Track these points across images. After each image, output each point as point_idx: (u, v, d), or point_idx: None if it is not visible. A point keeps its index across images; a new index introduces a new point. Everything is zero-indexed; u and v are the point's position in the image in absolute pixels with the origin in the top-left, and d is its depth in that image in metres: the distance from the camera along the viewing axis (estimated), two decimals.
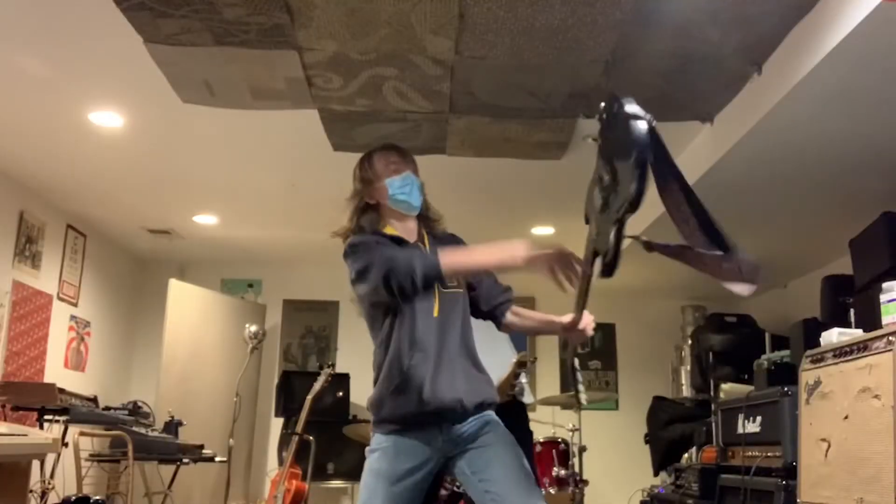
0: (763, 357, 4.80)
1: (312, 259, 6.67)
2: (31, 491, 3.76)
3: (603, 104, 1.65)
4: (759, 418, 3.63)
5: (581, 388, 2.41)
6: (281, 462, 5.59)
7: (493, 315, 2.40)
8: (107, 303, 6.45)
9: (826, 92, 3.10)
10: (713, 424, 4.82)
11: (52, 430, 4.25)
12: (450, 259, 2.08)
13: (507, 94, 3.67)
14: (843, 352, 2.84)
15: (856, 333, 2.97)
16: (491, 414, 2.24)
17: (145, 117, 4.14)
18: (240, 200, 5.48)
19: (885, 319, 2.81)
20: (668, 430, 5.69)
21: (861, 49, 2.77)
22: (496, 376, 3.49)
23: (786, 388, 3.38)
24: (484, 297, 2.38)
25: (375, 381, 2.25)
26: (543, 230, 5.89)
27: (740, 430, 3.78)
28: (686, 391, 6.30)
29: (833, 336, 3.01)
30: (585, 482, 4.43)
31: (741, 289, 1.67)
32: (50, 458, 4.05)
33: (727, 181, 4.10)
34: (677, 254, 1.72)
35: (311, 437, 4.92)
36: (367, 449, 2.25)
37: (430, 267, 2.05)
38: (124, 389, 6.61)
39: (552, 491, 4.18)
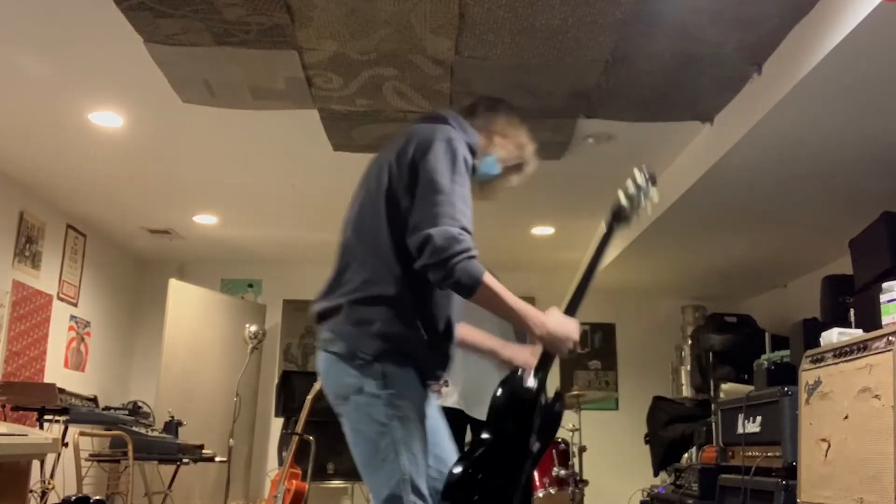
0: (763, 357, 4.79)
1: (312, 259, 6.66)
2: (31, 491, 3.76)
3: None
4: (759, 418, 3.63)
5: None
6: (281, 462, 5.59)
7: None
8: (107, 303, 6.45)
9: (826, 92, 3.10)
10: (713, 424, 4.83)
11: (52, 430, 4.25)
12: (491, 280, 1.90)
13: (507, 94, 3.66)
14: (843, 352, 2.84)
15: (856, 333, 2.96)
16: None
17: (145, 117, 4.14)
18: (240, 200, 5.48)
19: (885, 319, 2.81)
20: (668, 430, 5.70)
21: (861, 49, 2.77)
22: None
23: (786, 388, 3.38)
24: None
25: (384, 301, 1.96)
26: (543, 230, 5.89)
27: (740, 430, 3.78)
28: (686, 391, 6.30)
29: (833, 336, 3.01)
30: (585, 482, 4.43)
31: None
32: (50, 458, 4.04)
33: (727, 181, 4.10)
34: None
35: (311, 437, 4.92)
36: (368, 393, 1.93)
37: (472, 274, 1.88)
38: (124, 389, 6.61)
39: (552, 491, 4.18)
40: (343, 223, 2.15)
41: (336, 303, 2.00)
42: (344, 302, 1.98)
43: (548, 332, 2.00)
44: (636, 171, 2.29)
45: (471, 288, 1.88)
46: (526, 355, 2.20)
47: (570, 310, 2.11)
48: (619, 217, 2.28)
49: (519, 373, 2.13)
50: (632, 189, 2.27)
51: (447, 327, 2.07)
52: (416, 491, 1.92)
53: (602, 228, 2.28)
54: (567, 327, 2.02)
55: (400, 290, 1.96)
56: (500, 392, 2.10)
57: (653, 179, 2.30)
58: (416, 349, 1.98)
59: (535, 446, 2.08)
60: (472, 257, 1.88)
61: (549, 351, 2.08)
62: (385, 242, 1.99)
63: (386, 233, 1.99)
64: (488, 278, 1.90)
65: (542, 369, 2.10)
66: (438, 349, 2.06)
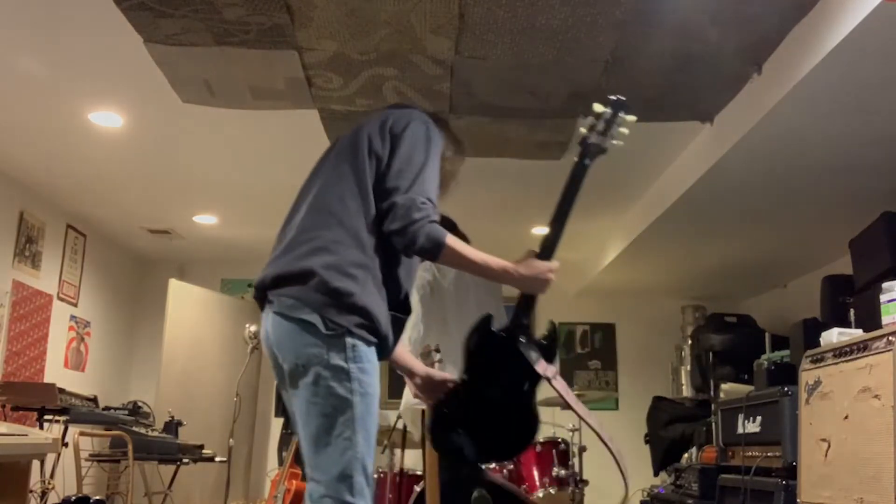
0: (763, 357, 4.80)
1: None
2: (31, 491, 3.76)
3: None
4: (759, 418, 3.63)
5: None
6: (281, 462, 5.59)
7: None
8: (107, 303, 6.45)
9: (826, 92, 3.10)
10: (713, 424, 4.83)
11: (52, 430, 4.25)
12: (454, 241, 1.96)
13: (507, 94, 3.67)
14: (843, 352, 2.84)
15: (856, 333, 2.97)
16: None
17: (145, 117, 4.14)
18: (240, 200, 5.48)
19: (885, 319, 2.81)
20: (668, 430, 5.69)
21: (861, 49, 2.77)
22: None
23: (786, 388, 3.38)
24: None
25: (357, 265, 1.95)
26: (543, 230, 5.88)
27: (740, 430, 3.78)
28: (686, 391, 6.30)
29: (833, 336, 3.01)
30: (585, 482, 4.42)
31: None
32: (50, 458, 4.04)
33: (727, 181, 4.10)
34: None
35: None
36: (333, 366, 1.89)
37: (435, 238, 1.93)
38: (124, 389, 6.61)
39: (552, 491, 4.18)
40: (309, 182, 2.18)
41: (303, 266, 1.94)
42: (316, 267, 1.92)
43: (519, 277, 2.10)
44: (595, 105, 2.27)
45: (434, 251, 1.94)
46: (433, 388, 2.32)
47: (545, 254, 2.19)
48: (587, 149, 2.27)
49: (489, 319, 2.25)
50: (593, 120, 2.25)
51: (406, 300, 2.10)
52: (365, 472, 1.89)
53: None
54: (537, 268, 2.12)
55: (370, 256, 1.98)
56: (471, 336, 2.24)
57: (620, 105, 2.23)
58: (385, 324, 1.98)
59: (551, 369, 2.16)
60: (433, 222, 1.93)
61: (527, 293, 2.18)
62: (359, 206, 2.01)
63: (360, 197, 2.02)
64: (451, 240, 1.95)
65: (523, 312, 2.20)
66: (397, 324, 2.07)
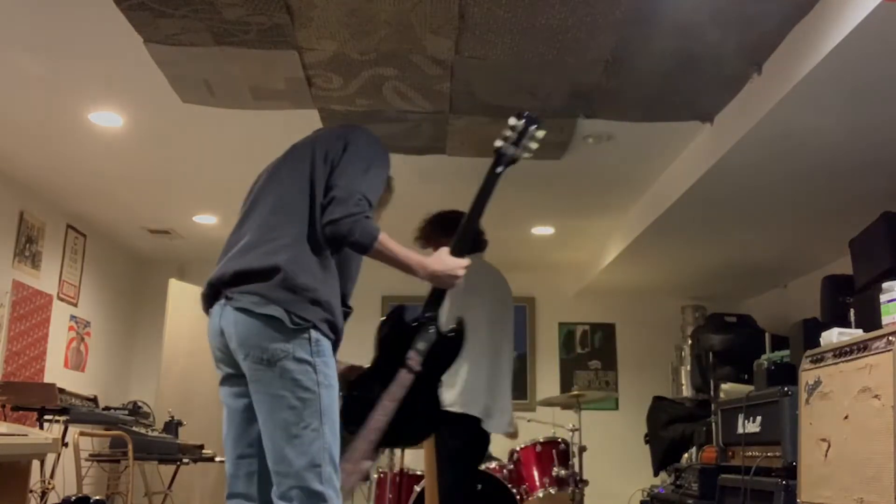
0: (763, 357, 4.80)
1: None
2: (31, 491, 3.76)
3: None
4: (759, 418, 3.63)
5: None
6: None
7: None
8: (107, 303, 6.45)
9: (826, 92, 3.10)
10: (713, 424, 4.83)
11: (52, 430, 4.24)
12: (386, 238, 2.08)
13: (507, 94, 3.67)
14: (843, 352, 2.84)
15: (856, 333, 2.97)
16: None
17: (145, 117, 4.14)
18: (240, 200, 5.45)
19: (885, 319, 2.81)
20: (668, 430, 5.70)
21: (861, 49, 2.77)
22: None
23: (786, 388, 3.38)
24: None
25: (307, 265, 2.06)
26: (543, 230, 5.89)
27: (740, 430, 3.78)
28: (686, 391, 6.30)
29: (833, 336, 3.01)
30: (585, 482, 4.43)
31: None
32: (50, 458, 4.04)
33: (727, 181, 4.10)
34: None
35: None
36: (299, 359, 1.99)
37: (369, 232, 2.05)
38: (124, 389, 6.61)
39: (552, 491, 4.18)
40: (265, 185, 2.29)
41: (267, 263, 2.02)
42: (280, 263, 2.01)
43: (430, 273, 2.22)
44: (510, 118, 2.45)
45: (367, 245, 2.03)
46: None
47: (457, 251, 2.31)
48: (500, 159, 2.42)
49: (402, 310, 2.41)
50: (508, 132, 2.43)
51: (347, 297, 2.19)
52: (333, 463, 1.95)
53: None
54: (447, 265, 2.25)
55: (328, 255, 2.08)
56: (383, 324, 2.39)
57: (531, 120, 2.43)
58: (340, 320, 2.09)
59: (415, 361, 2.29)
60: (368, 217, 2.04)
61: (438, 286, 2.32)
62: (318, 207, 2.10)
63: (318, 198, 2.11)
64: (383, 237, 2.05)
65: (433, 304, 2.35)
66: (345, 320, 2.16)
